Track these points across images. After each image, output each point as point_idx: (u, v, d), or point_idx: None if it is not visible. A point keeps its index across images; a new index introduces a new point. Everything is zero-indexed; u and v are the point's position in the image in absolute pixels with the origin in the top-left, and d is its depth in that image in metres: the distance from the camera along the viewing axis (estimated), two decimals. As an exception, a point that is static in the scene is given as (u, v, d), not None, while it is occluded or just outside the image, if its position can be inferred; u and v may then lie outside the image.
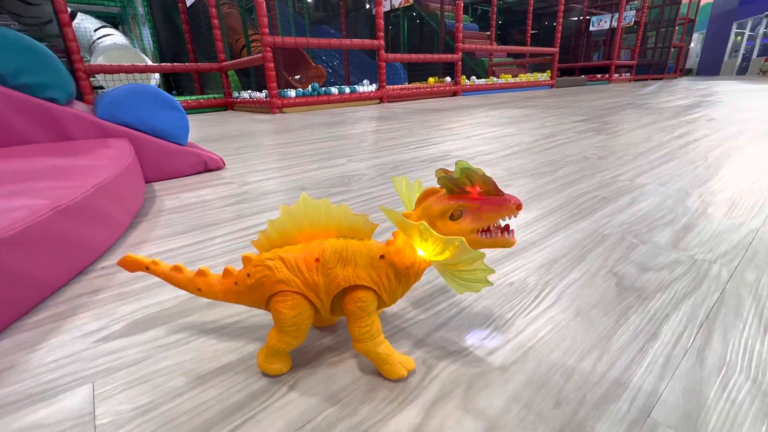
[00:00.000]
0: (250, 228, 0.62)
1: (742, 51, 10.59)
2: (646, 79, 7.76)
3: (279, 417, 0.26)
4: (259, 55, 3.00)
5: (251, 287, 0.29)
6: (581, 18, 8.30)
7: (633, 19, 7.30)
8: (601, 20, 7.63)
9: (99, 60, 4.92)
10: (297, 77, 5.15)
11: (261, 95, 3.30)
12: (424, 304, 0.39)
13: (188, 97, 3.76)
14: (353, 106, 3.50)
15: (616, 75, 7.07)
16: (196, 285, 0.31)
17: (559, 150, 1.12)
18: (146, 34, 6.23)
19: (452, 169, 0.30)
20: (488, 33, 6.22)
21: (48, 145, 0.79)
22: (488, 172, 0.89)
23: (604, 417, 0.25)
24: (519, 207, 0.26)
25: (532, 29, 7.33)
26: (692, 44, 12.01)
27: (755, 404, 0.26)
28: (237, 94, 3.86)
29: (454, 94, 4.35)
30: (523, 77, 5.28)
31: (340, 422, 0.26)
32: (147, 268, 0.33)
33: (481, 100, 3.50)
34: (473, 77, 4.75)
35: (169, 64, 3.59)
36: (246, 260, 0.29)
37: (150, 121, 0.91)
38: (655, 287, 0.39)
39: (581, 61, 8.45)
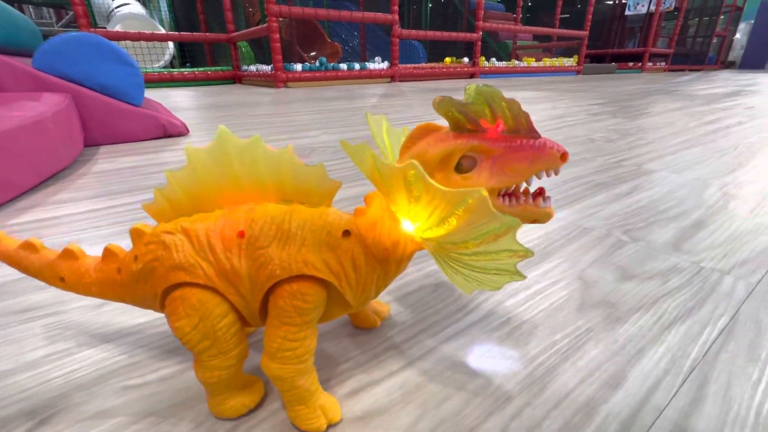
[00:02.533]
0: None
1: (793, 43, 9.77)
2: (683, 70, 7.27)
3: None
4: (263, 25, 2.87)
5: (138, 276, 0.18)
6: (617, 1, 7.78)
7: (674, 4, 6.78)
8: (638, 4, 7.13)
9: (116, 29, 4.90)
10: (312, 54, 5.01)
11: (267, 68, 3.19)
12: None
13: (195, 69, 3.68)
14: (363, 83, 3.35)
15: (650, 64, 6.63)
16: (57, 272, 0.20)
17: (564, 131, 0.98)
18: (163, 4, 6.16)
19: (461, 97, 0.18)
20: (514, 15, 5.89)
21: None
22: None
23: None
24: (564, 157, 0.16)
25: (563, 13, 6.91)
26: (738, 35, 11.17)
27: None
28: (246, 67, 3.76)
29: (472, 75, 4.14)
30: (547, 62, 4.99)
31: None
32: None
33: (500, 82, 3.30)
34: (493, 59, 4.50)
35: (176, 33, 3.50)
36: (136, 235, 0.19)
37: (96, 76, 0.82)
38: (634, 304, 0.28)
39: (614, 47, 7.96)
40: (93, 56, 0.81)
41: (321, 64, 3.14)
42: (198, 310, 0.17)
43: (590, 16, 5.20)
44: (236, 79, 3.85)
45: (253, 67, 3.52)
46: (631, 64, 6.60)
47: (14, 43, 0.82)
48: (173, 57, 5.82)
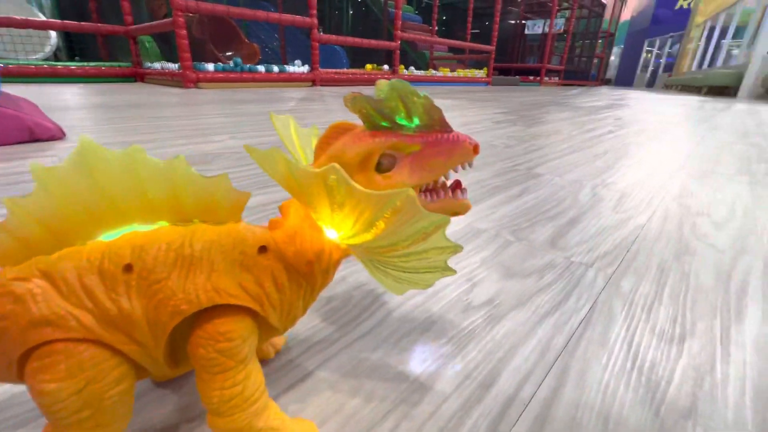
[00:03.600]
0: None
1: (651, 66, 11.86)
2: (572, 85, 8.33)
3: None
4: (169, 19, 2.63)
5: None
6: (518, 21, 8.68)
7: (563, 27, 7.77)
8: (535, 25, 8.03)
9: (-25, 11, 4.07)
10: (228, 54, 4.72)
11: (175, 67, 2.92)
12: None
13: (86, 63, 3.23)
14: (283, 86, 3.25)
15: (547, 78, 7.49)
16: None
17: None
18: (42, -14, 5.29)
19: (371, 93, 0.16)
20: (430, 27, 6.22)
21: None
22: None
23: None
24: (476, 149, 0.17)
25: (474, 28, 7.48)
26: (612, 57, 13.21)
27: None
28: (149, 65, 3.40)
29: (392, 83, 4.26)
30: (461, 72, 5.36)
31: None
32: None
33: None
34: (412, 68, 4.69)
35: (58, 21, 3.04)
36: None
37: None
38: (514, 302, 0.30)
39: (517, 62, 8.86)
40: None
41: (236, 64, 2.98)
42: (83, 372, 0.13)
43: (496, 33, 5.70)
44: (137, 76, 3.46)
45: (157, 65, 3.20)
46: (531, 77, 7.39)
47: None
48: (57, 49, 5.04)
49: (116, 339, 0.14)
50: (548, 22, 7.39)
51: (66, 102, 1.57)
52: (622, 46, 13.27)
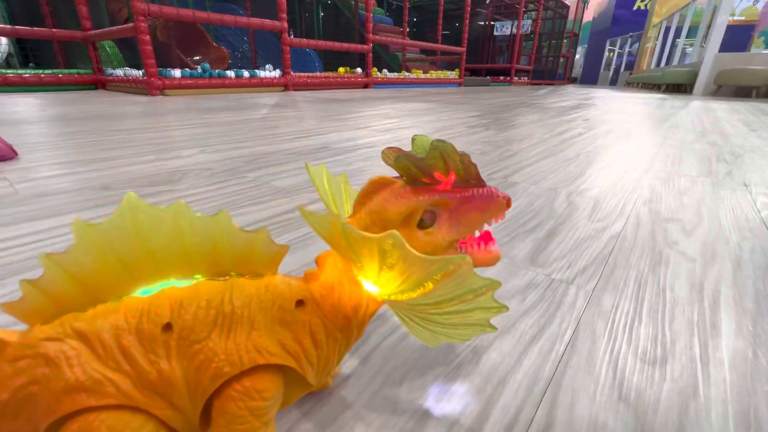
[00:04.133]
0: (-43, 252, 0.40)
1: (613, 65, 12.38)
2: (540, 84, 8.57)
3: None
4: (130, 24, 2.52)
5: (4, 410, 0.13)
6: (487, 23, 8.86)
7: (530, 28, 7.99)
8: (503, 26, 8.22)
9: None
10: (196, 58, 4.58)
11: (138, 73, 2.80)
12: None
13: (41, 71, 3.05)
14: (254, 92, 3.18)
15: (516, 78, 7.69)
16: None
17: (445, 144, 1.05)
18: (-12, -12, 4.96)
19: (407, 148, 0.15)
20: (401, 29, 6.25)
21: None
22: (361, 167, 0.77)
23: None
24: (509, 204, 0.17)
25: (444, 29, 7.57)
26: (577, 56, 13.70)
27: None
28: (111, 71, 3.25)
29: (366, 86, 4.25)
30: (434, 74, 5.41)
31: None
32: None
33: (391, 93, 3.44)
34: (385, 70, 4.70)
35: (9, 26, 2.86)
36: None
37: None
38: (500, 328, 0.29)
39: (487, 62, 9.05)
40: None
41: (204, 70, 2.89)
42: None
43: (466, 35, 5.80)
44: (98, 84, 3.31)
45: (120, 71, 3.06)
46: (501, 78, 7.56)
47: None
48: (9, 55, 4.76)
49: (154, 405, 0.14)
50: (516, 23, 7.58)
51: (18, 115, 1.47)
52: (586, 46, 13.80)
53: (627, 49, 11.81)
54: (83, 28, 3.20)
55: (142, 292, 0.14)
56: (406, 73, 4.95)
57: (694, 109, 2.52)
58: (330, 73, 4.17)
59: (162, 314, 0.14)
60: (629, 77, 9.18)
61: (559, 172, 0.77)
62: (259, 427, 0.15)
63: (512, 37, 7.86)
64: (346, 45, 3.85)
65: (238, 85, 3.05)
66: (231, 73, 3.04)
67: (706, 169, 0.81)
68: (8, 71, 2.88)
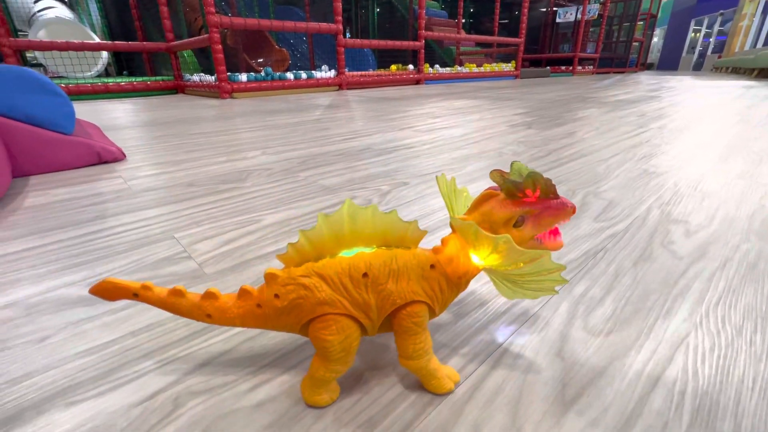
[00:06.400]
0: (97, 233, 0.56)
1: (698, 47, 11.06)
2: (607, 72, 7.96)
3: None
4: (205, 35, 2.83)
5: (282, 310, 0.25)
6: (548, 9, 8.38)
7: (597, 12, 7.43)
8: (567, 12, 7.73)
9: (39, 35, 4.52)
10: (260, 60, 4.94)
11: (212, 79, 3.13)
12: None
13: (134, 79, 3.52)
14: (310, 92, 3.39)
15: (580, 67, 7.22)
16: (204, 311, 0.26)
17: (481, 145, 1.11)
18: (93, 8, 5.77)
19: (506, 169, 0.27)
20: (456, 21, 6.17)
21: None
22: (397, 168, 0.86)
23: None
24: (574, 211, 0.26)
25: (501, 19, 7.32)
26: (655, 39, 12.42)
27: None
28: (189, 77, 3.65)
29: (418, 82, 4.30)
30: (488, 67, 5.29)
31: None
32: (135, 295, 0.26)
33: (442, 89, 3.47)
34: (437, 66, 4.70)
35: (110, 42, 3.34)
36: (271, 278, 0.25)
37: (21, 107, 0.82)
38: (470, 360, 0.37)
39: (548, 52, 8.57)
40: (16, 88, 0.81)
41: (267, 74, 3.14)
42: (345, 331, 0.24)
43: (524, 24, 5.57)
44: (179, 89, 3.73)
45: (196, 77, 3.43)
46: (563, 68, 7.14)
47: (-73, 75, 0.80)
48: (108, 64, 5.46)
49: (360, 315, 0.24)
50: (581, 8, 7.10)
51: (119, 120, 1.76)
52: (666, 27, 12.46)
53: (716, 28, 10.48)
54: (167, 40, 3.63)
55: (344, 254, 0.25)
56: (459, 68, 4.91)
57: (783, 98, 2.24)
58: (382, 71, 4.28)
59: (360, 268, 0.24)
60: (717, 61, 8.18)
61: (585, 173, 0.80)
62: (419, 331, 0.25)
63: (576, 24, 7.38)
64: (398, 43, 3.92)
65: (297, 86, 3.27)
66: (290, 75, 3.28)
67: (748, 172, 0.79)
68: (109, 80, 3.37)
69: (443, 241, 0.27)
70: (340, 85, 3.58)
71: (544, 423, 0.25)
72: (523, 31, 5.58)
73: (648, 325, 0.34)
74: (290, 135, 1.30)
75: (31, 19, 5.09)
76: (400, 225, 0.26)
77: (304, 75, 3.34)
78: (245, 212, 0.62)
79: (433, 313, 0.27)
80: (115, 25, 5.75)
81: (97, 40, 4.90)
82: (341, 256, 0.25)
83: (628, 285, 0.40)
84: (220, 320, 0.26)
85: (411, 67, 4.41)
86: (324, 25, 3.28)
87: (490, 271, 0.27)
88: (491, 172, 0.26)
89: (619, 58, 8.95)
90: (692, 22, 10.75)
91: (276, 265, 0.46)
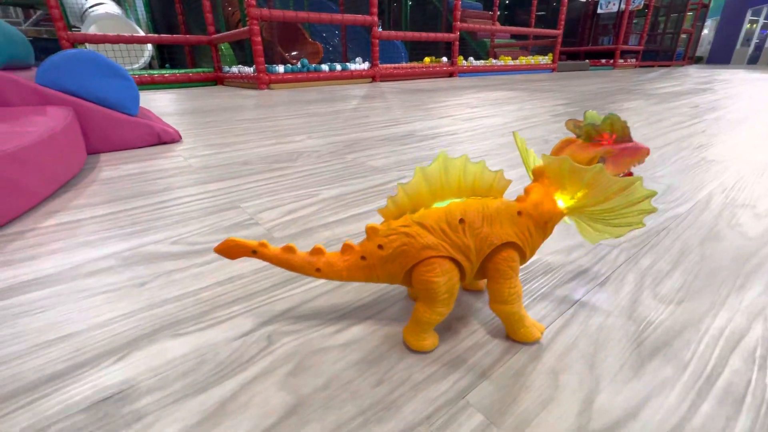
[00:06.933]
0: (170, 201, 0.60)
1: (755, 39, 10.28)
2: (652, 66, 7.57)
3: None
4: (246, 28, 2.91)
5: (386, 259, 0.27)
6: (589, 0, 8.03)
7: (642, 2, 7.05)
8: (609, 2, 7.38)
9: (91, 29, 4.81)
10: (293, 53, 5.03)
11: (250, 70, 3.23)
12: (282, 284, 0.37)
13: (177, 71, 3.68)
14: (344, 84, 3.43)
15: (621, 60, 6.89)
16: (314, 265, 0.28)
17: (524, 133, 1.09)
18: (139, 3, 6.05)
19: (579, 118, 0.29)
20: (491, 13, 6.04)
21: (-19, 110, 0.77)
22: (447, 152, 0.86)
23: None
24: (648, 152, 0.27)
25: (538, 10, 7.08)
26: (705, 30, 11.65)
27: None
28: (228, 69, 3.78)
29: (451, 74, 4.25)
30: (523, 60, 5.15)
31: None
32: (254, 252, 0.28)
33: (476, 81, 3.42)
34: (471, 58, 4.63)
35: (156, 35, 3.50)
36: (372, 231, 0.27)
37: (95, 90, 0.88)
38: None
39: (588, 44, 8.22)
40: (91, 71, 0.88)
41: (303, 65, 3.20)
42: (448, 272, 0.26)
43: (563, 15, 5.38)
44: (218, 80, 3.86)
45: (235, 69, 3.54)
46: (603, 61, 6.84)
47: (16, 59, 0.88)
48: (152, 57, 5.72)
49: (461, 258, 0.26)
50: (625, -2, 6.76)
51: (167, 107, 1.85)
52: (718, 18, 11.64)
53: (776, 18, 9.70)
54: (208, 33, 3.76)
55: (437, 205, 0.27)
56: (493, 60, 4.81)
57: None
58: (415, 64, 4.26)
59: (456, 215, 0.26)
60: (775, 54, 7.56)
61: (639, 159, 0.78)
62: (513, 275, 0.27)
63: (620, 14, 7.04)
64: (432, 35, 3.89)
65: (331, 77, 3.32)
66: (325, 67, 3.32)
67: (823, 161, 0.74)
68: (154, 72, 3.54)
69: (526, 190, 0.28)
70: (373, 77, 3.59)
71: (621, 374, 0.26)
72: (562, 22, 5.38)
73: (721, 297, 0.33)
74: (331, 122, 1.33)
75: (83, 15, 5.41)
76: (488, 174, 0.27)
77: (338, 67, 3.38)
78: (301, 188, 0.65)
79: (523, 258, 0.28)
80: (159, 19, 6.02)
81: (142, 34, 5.14)
82: (435, 207, 0.27)
83: (695, 261, 0.39)
84: (329, 274, 0.28)
85: (444, 59, 4.36)
86: (360, 16, 3.30)
87: (575, 212, 0.28)
88: (566, 122, 0.27)
89: (664, 50, 8.47)
90: (749, 12, 10.00)
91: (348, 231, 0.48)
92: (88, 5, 5.45)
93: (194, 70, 3.81)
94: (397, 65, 4.01)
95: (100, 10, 5.28)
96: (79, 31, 5.27)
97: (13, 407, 0.24)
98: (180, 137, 1.06)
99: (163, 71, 3.65)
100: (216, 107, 1.84)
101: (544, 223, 0.27)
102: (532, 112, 1.50)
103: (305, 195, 0.62)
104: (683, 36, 9.10)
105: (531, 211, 0.27)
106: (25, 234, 0.49)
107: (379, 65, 3.72)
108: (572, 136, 0.29)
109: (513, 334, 0.28)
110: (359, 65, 3.57)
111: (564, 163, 0.25)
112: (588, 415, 0.23)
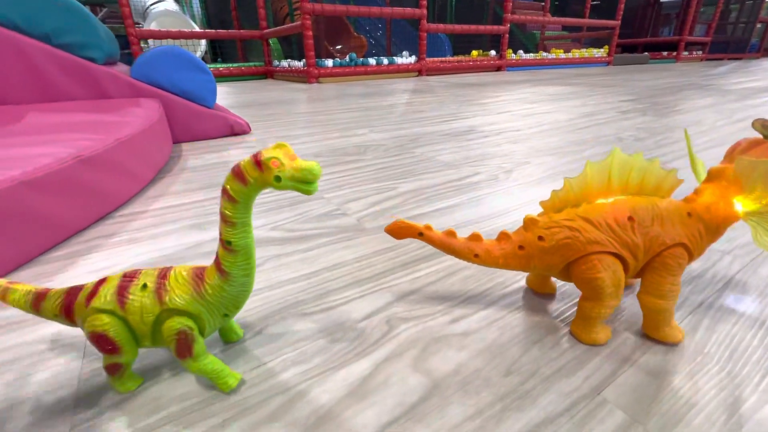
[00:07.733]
0: (259, 189, 0.64)
1: None
2: (721, 59, 6.96)
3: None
4: (297, 23, 2.98)
5: (548, 250, 0.27)
6: (652, -13, 7.46)
7: (713, -11, 6.46)
8: (674, -10, 6.82)
9: (152, 26, 5.13)
10: (338, 47, 5.10)
11: (299, 64, 3.31)
12: (409, 266, 0.39)
13: (230, 64, 3.85)
14: (391, 78, 3.43)
15: (685, 53, 6.39)
16: (472, 251, 0.29)
17: (593, 130, 1.05)
18: (195, 0, 6.38)
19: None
20: (542, 4, 5.78)
21: (87, 102, 0.85)
22: (512, 149, 0.85)
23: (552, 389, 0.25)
24: None
25: (593, 0, 6.68)
26: (784, 19, 10.48)
27: (721, 396, 0.24)
28: (277, 63, 3.90)
29: (499, 68, 4.14)
30: (576, 53, 4.91)
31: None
32: (420, 234, 0.30)
33: (527, 75, 3.31)
34: (520, 51, 4.47)
35: (212, 30, 3.67)
36: (531, 222, 0.28)
37: (179, 83, 0.95)
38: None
39: (647, 36, 7.67)
40: (177, 66, 0.94)
41: (351, 60, 3.24)
42: (611, 267, 0.26)
43: (622, 5, 5.05)
44: (268, 74, 4.00)
45: (285, 63, 3.65)
46: (665, 53, 6.37)
47: (112, 55, 0.96)
48: (205, 52, 6.01)
49: (627, 255, 0.26)
50: (693, -15, 6.23)
51: (224, 101, 1.95)
52: (801, 5, 10.43)
53: None
54: (261, 28, 3.89)
55: (599, 201, 0.26)
56: (544, 54, 4.62)
57: None
58: (462, 57, 4.18)
59: (624, 212, 0.25)
60: None
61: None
62: (678, 273, 0.26)
63: (685, 3, 6.51)
64: (482, 27, 3.80)
65: (378, 71, 3.33)
66: (372, 61, 3.34)
67: None
68: (210, 66, 3.73)
69: (697, 190, 0.27)
70: (419, 70, 3.57)
71: (765, 384, 0.25)
72: (620, 12, 5.06)
73: None
74: (387, 116, 1.35)
75: (145, 12, 5.78)
76: (660, 172, 0.26)
77: (385, 61, 3.39)
78: (379, 180, 0.67)
79: (690, 259, 0.27)
80: (213, 15, 6.31)
81: (197, 29, 5.41)
82: (600, 202, 0.26)
83: (824, 272, 0.37)
84: (486, 260, 0.29)
85: (493, 53, 4.25)
86: (408, 10, 3.28)
87: (757, 217, 0.26)
88: (753, 122, 0.26)
89: (737, 41, 7.75)
90: (840, -2, 8.88)
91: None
92: (149, 2, 5.81)
93: (246, 63, 3.97)
94: (443, 59, 3.95)
95: (160, 7, 5.61)
96: (141, 27, 5.64)
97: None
98: (250, 129, 1.12)
99: (218, 65, 3.82)
100: (271, 100, 1.91)
101: (716, 226, 0.26)
102: (596, 108, 1.43)
103: (385, 188, 0.63)
104: (758, 26, 8.26)
105: (702, 213, 0.26)
106: (141, 215, 0.54)
107: (426, 59, 3.69)
108: (759, 136, 0.28)
109: (653, 331, 0.28)
110: (405, 59, 3.56)
111: (762, 166, 0.24)
112: (738, 422, 0.22)
